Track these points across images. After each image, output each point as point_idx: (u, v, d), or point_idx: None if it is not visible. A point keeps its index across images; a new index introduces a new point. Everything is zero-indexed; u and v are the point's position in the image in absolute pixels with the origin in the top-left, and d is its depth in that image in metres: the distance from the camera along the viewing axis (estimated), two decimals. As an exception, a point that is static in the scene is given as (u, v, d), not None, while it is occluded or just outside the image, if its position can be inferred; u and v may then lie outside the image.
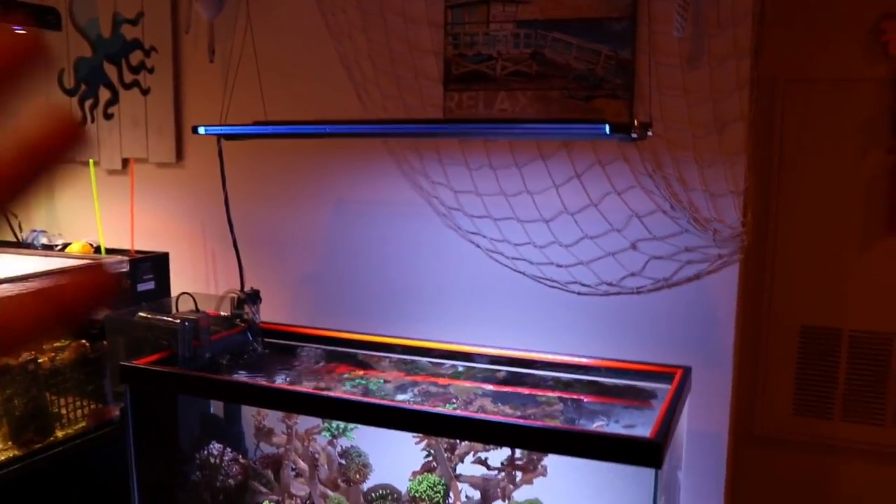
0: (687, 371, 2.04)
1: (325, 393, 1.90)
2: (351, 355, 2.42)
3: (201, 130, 2.10)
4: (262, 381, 2.08)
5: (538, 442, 1.63)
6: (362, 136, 2.16)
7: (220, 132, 2.08)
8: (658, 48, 2.25)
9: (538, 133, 1.89)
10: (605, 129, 1.63)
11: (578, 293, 2.40)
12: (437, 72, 2.48)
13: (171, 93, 2.86)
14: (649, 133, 1.77)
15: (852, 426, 3.05)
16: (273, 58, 2.63)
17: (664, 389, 2.15)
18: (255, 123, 2.16)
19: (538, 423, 1.72)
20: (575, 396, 2.13)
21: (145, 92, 2.90)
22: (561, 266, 2.41)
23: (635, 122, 1.70)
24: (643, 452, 1.55)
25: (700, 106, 2.23)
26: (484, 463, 1.95)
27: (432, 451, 2.03)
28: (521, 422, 1.69)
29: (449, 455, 1.98)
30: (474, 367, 2.31)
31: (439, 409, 1.74)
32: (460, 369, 2.33)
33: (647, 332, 2.36)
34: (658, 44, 2.25)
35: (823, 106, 2.94)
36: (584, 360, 2.19)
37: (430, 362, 2.37)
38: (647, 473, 1.99)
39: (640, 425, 1.98)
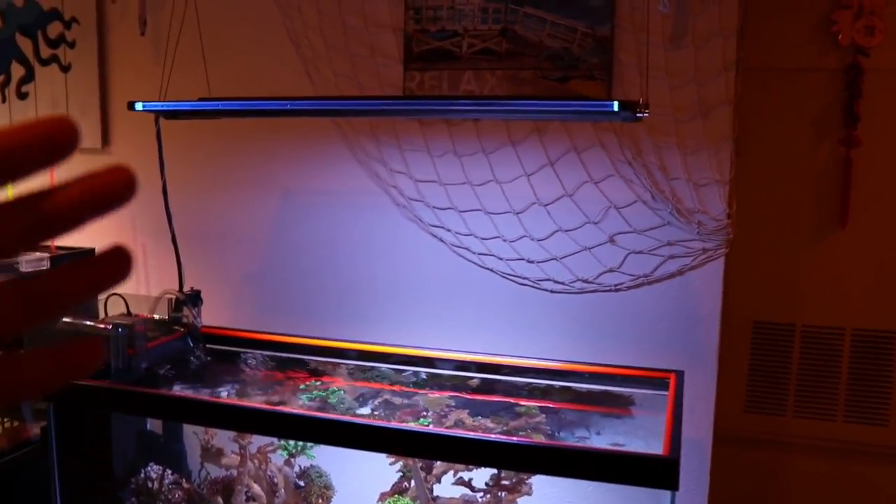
0: (680, 376, 1.88)
1: (285, 410, 1.67)
2: (302, 362, 2.19)
3: (139, 107, 1.84)
4: (210, 396, 1.83)
5: (537, 464, 1.44)
6: (326, 113, 1.93)
7: (160, 108, 1.82)
8: (639, 26, 2.08)
9: (530, 111, 1.69)
10: (612, 106, 1.45)
11: (551, 291, 2.22)
12: (396, 49, 2.26)
13: (96, 70, 2.56)
14: (646, 113, 1.59)
15: (805, 422, 3.02)
16: (212, 31, 2.37)
17: (645, 395, 2.00)
18: (201, 100, 1.90)
19: (537, 442, 1.53)
20: (555, 405, 1.95)
21: (65, 69, 2.60)
22: (532, 262, 2.22)
23: (641, 100, 1.52)
24: (659, 473, 1.37)
25: (683, 88, 2.07)
26: (467, 484, 1.75)
27: (406, 471, 1.82)
28: (517, 440, 1.50)
29: (425, 475, 1.77)
30: (440, 374, 2.12)
31: (420, 428, 1.54)
32: (423, 376, 2.13)
33: (626, 332, 2.20)
34: (639, 21, 2.08)
35: (775, 96, 2.87)
36: (563, 365, 2.01)
37: (391, 369, 2.16)
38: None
39: (634, 437, 1.82)
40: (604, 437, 1.83)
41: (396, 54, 2.25)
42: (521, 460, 1.44)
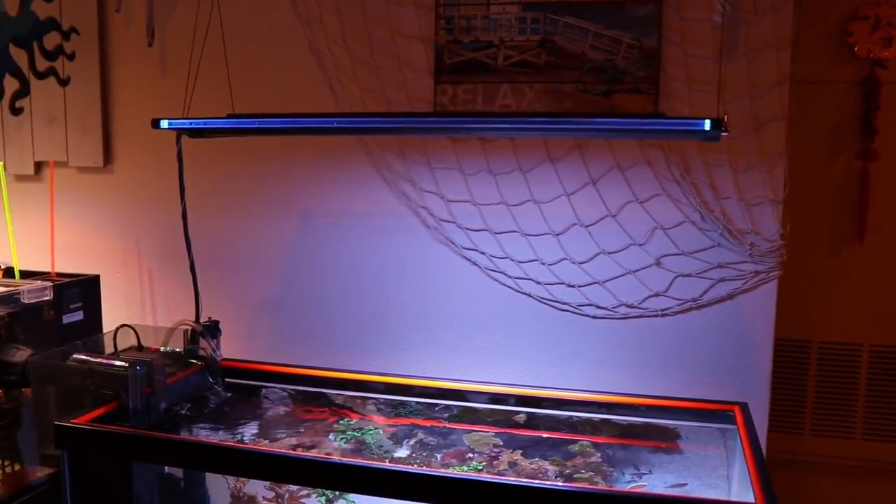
0: (745, 408, 1.76)
1: (328, 458, 1.53)
2: (326, 396, 2.04)
3: (164, 124, 1.68)
4: (239, 442, 1.68)
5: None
6: (360, 131, 1.77)
7: (187, 126, 1.66)
8: (687, 37, 1.97)
9: (599, 129, 1.56)
10: (702, 125, 1.32)
11: (593, 317, 2.10)
12: (425, 62, 2.12)
13: (98, 83, 2.40)
14: (727, 132, 1.47)
15: (823, 440, 2.97)
16: (230, 45, 2.21)
17: (690, 427, 1.88)
18: (230, 116, 1.74)
19: (631, 493, 1.40)
20: (608, 440, 1.82)
21: (64, 82, 2.43)
22: (573, 286, 2.10)
23: (725, 118, 1.39)
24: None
25: (735, 103, 1.96)
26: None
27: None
28: (608, 491, 1.36)
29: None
30: (476, 408, 1.98)
31: (493, 478, 1.40)
32: (455, 412, 1.99)
33: (673, 359, 2.08)
34: (687, 31, 1.97)
35: (791, 109, 2.81)
36: (612, 398, 1.89)
37: (422, 403, 2.02)
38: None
39: (691, 476, 1.70)
40: (660, 477, 1.71)
41: (426, 67, 2.12)
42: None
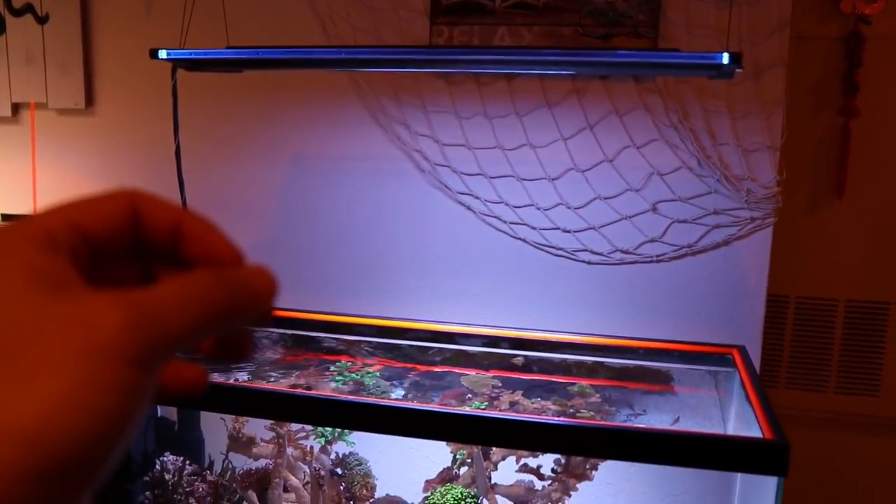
0: (744, 350, 1.78)
1: (338, 396, 1.51)
2: (323, 341, 2.02)
3: (162, 55, 1.61)
4: (243, 382, 1.65)
5: (635, 450, 1.31)
6: (364, 64, 1.72)
7: (188, 56, 1.60)
8: (688, -21, 1.95)
9: (613, 63, 1.53)
10: (720, 58, 1.30)
11: (588, 262, 2.09)
12: (421, 2, 2.08)
13: (79, 21, 2.31)
14: (739, 70, 1.46)
15: (797, 393, 2.98)
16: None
17: (682, 370, 1.90)
18: (230, 48, 1.69)
19: (639, 428, 1.40)
20: (605, 383, 1.83)
21: (42, 20, 2.35)
22: (568, 231, 2.09)
23: (740, 52, 1.38)
24: (767, 458, 1.26)
25: (735, 49, 1.95)
26: (536, 472, 1.61)
27: (465, 459, 1.67)
28: (621, 426, 1.37)
29: (483, 461, 1.63)
30: (467, 352, 1.97)
31: (498, 413, 1.39)
32: (448, 355, 1.98)
33: (667, 305, 2.08)
34: (688, -26, 1.95)
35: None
36: (613, 341, 1.89)
37: (414, 346, 2.01)
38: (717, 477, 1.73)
39: (691, 416, 1.71)
40: (655, 417, 1.73)
41: (422, 7, 2.08)
42: (621, 448, 1.30)
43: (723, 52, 1.33)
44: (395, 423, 1.43)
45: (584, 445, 1.33)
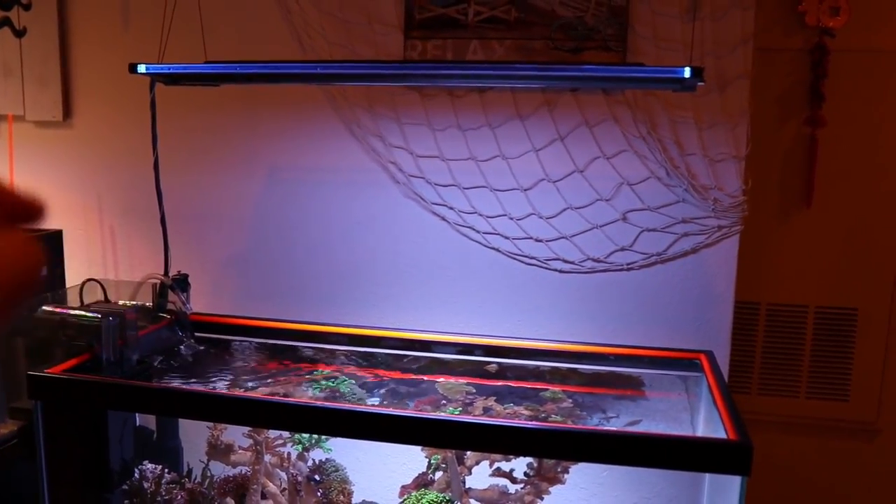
0: (711, 356, 1.82)
1: (315, 403, 1.54)
2: (295, 350, 2.05)
3: (141, 69, 1.64)
4: (224, 390, 1.68)
5: (604, 453, 1.35)
6: (348, 78, 1.76)
7: (166, 71, 1.63)
8: (655, -5, 2.00)
9: (579, 77, 1.58)
10: (682, 72, 1.35)
11: (560, 271, 2.13)
12: (395, 16, 2.12)
13: (56, 35, 2.33)
14: (701, 84, 1.51)
15: (769, 399, 3.04)
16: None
17: (654, 375, 1.94)
18: (208, 63, 1.72)
19: (608, 431, 1.44)
20: (577, 389, 1.87)
21: (20, 33, 2.36)
22: (540, 241, 2.13)
23: (701, 67, 1.43)
24: (731, 459, 1.30)
25: (700, 61, 2.00)
26: (508, 475, 1.65)
27: (440, 464, 1.70)
28: (592, 430, 1.41)
29: (457, 466, 1.66)
30: (443, 359, 2.00)
31: (471, 418, 1.43)
32: (424, 363, 2.01)
33: (637, 312, 2.13)
34: (655, -10, 2.00)
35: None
36: (583, 347, 1.93)
37: (389, 354, 2.04)
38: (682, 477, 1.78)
39: (660, 420, 1.75)
40: (627, 421, 1.76)
41: (396, 22, 2.12)
42: (584, 450, 1.34)
43: (685, 67, 1.37)
44: (370, 429, 1.46)
45: (554, 448, 1.37)
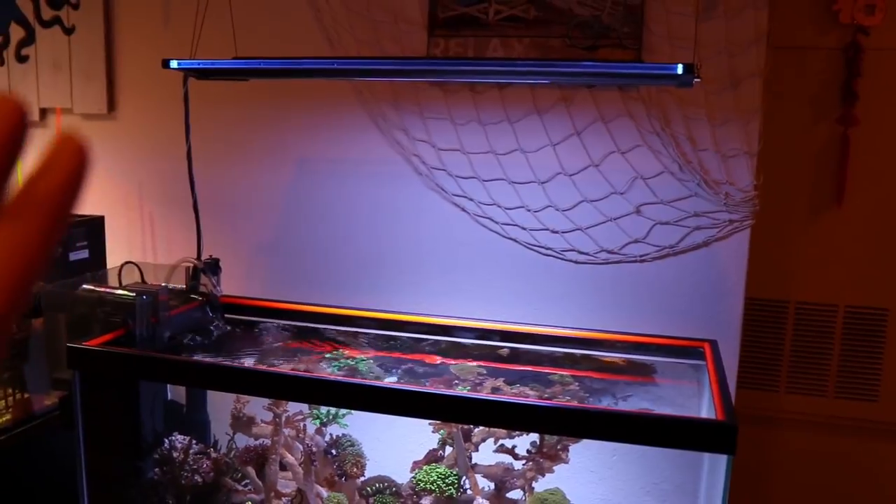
0: (714, 345, 1.88)
1: (329, 377, 1.64)
2: (321, 332, 2.15)
3: (173, 64, 1.76)
4: (248, 364, 1.79)
5: (599, 429, 1.43)
6: (361, 73, 1.86)
7: (196, 66, 1.75)
8: (670, -6, 2.06)
9: (582, 73, 1.66)
10: (675, 69, 1.42)
11: (576, 262, 2.21)
12: (420, 15, 2.21)
13: (102, 32, 2.48)
14: (700, 79, 1.58)
15: (797, 398, 3.03)
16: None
17: (673, 364, 2.00)
18: (236, 59, 1.83)
19: (601, 409, 1.52)
20: (586, 374, 1.94)
21: (69, 31, 2.51)
22: (557, 232, 2.21)
23: (697, 64, 1.50)
24: (717, 436, 1.37)
25: (713, 59, 2.06)
26: (511, 452, 1.73)
27: (447, 439, 1.79)
28: (582, 407, 1.48)
29: (464, 443, 1.75)
30: (463, 344, 2.09)
31: (477, 395, 1.51)
32: (443, 346, 2.10)
33: (650, 303, 2.19)
34: (670, -11, 2.06)
35: (774, 75, 2.86)
36: (593, 334, 2.00)
37: (411, 338, 2.13)
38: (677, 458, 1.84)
39: (668, 405, 1.81)
40: (635, 405, 1.82)
41: (420, 20, 2.21)
42: (580, 426, 1.42)
43: (678, 64, 1.44)
44: (380, 402, 1.55)
45: (547, 423, 1.45)
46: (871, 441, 2.99)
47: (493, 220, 2.24)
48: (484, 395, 1.56)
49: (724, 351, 2.12)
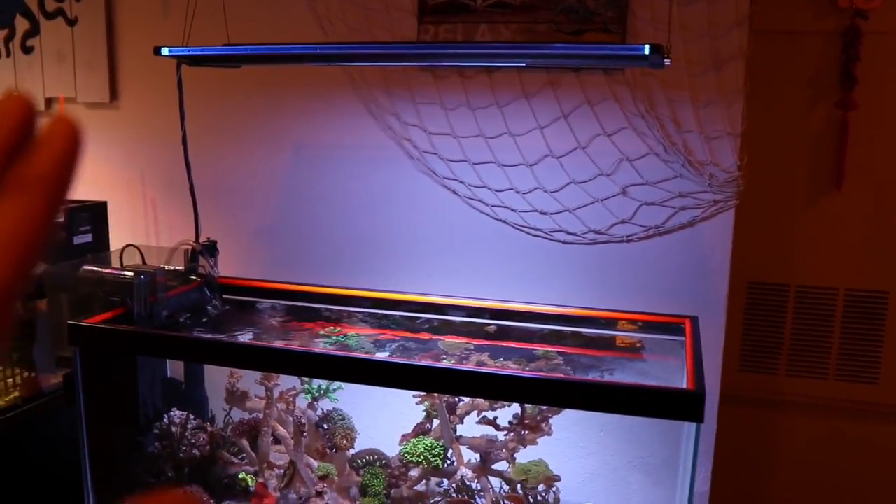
0: (695, 321, 1.93)
1: (318, 350, 1.70)
2: (317, 311, 2.22)
3: (164, 52, 1.83)
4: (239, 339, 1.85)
5: (569, 399, 1.48)
6: (350, 58, 1.92)
7: (186, 53, 1.81)
8: (653, -21, 2.10)
9: (555, 55, 1.70)
10: (643, 50, 1.47)
11: (564, 242, 2.25)
12: (410, 3, 2.27)
13: (104, 23, 2.55)
14: (670, 61, 1.62)
15: (797, 381, 3.05)
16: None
17: (659, 340, 2.04)
18: (226, 46, 1.90)
19: (571, 378, 1.57)
20: (570, 350, 1.99)
21: (71, 22, 2.58)
22: (545, 213, 2.26)
23: (666, 46, 1.54)
24: (686, 405, 1.42)
25: (696, 42, 2.10)
26: (493, 423, 1.79)
27: (432, 412, 1.85)
28: (554, 377, 1.54)
29: (448, 415, 1.81)
30: (454, 322, 2.15)
31: (456, 366, 1.57)
32: (436, 324, 2.16)
33: (636, 282, 2.24)
34: (653, -26, 2.10)
35: (772, 58, 2.88)
36: (577, 311, 2.05)
37: (404, 316, 2.19)
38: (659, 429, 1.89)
39: (649, 378, 1.86)
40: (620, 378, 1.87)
41: (410, 8, 2.26)
42: (552, 396, 1.47)
43: (644, 45, 1.49)
44: (367, 374, 1.62)
45: (527, 393, 1.50)
46: (872, 423, 3.00)
47: (483, 201, 2.29)
48: (462, 366, 1.61)
49: (710, 327, 2.18)
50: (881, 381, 2.99)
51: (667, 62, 1.59)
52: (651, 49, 1.46)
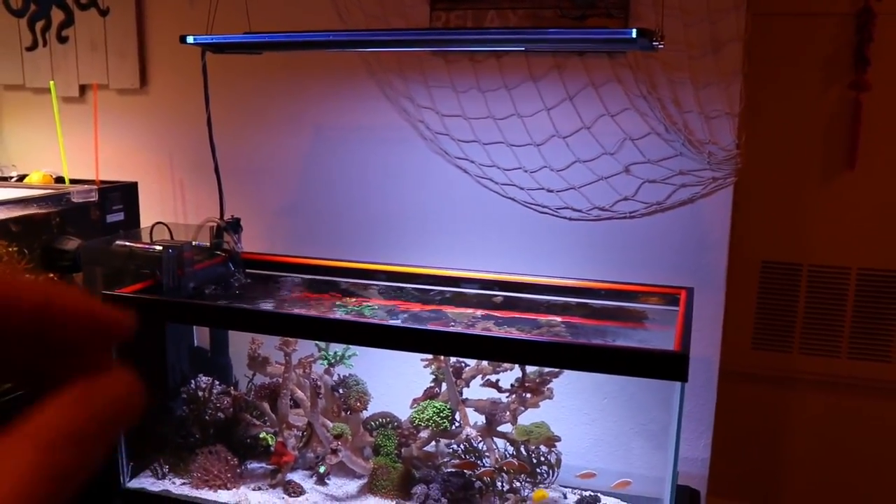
0: (690, 291, 2.02)
1: (331, 316, 1.82)
2: (335, 284, 2.34)
3: (189, 40, 1.96)
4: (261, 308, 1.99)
5: (561, 359, 1.59)
6: (365, 44, 2.04)
7: (210, 41, 1.94)
8: (654, -35, 2.19)
9: (550, 40, 1.81)
10: (630, 34, 1.56)
11: (570, 218, 2.36)
12: (422, -10, 2.37)
13: (133, 13, 2.68)
14: (662, 44, 1.71)
15: (810, 359, 3.08)
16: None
17: (659, 311, 2.14)
18: (247, 34, 2.02)
19: (560, 340, 1.68)
20: (573, 319, 2.09)
21: (104, 13, 2.72)
22: (552, 191, 2.36)
23: (657, 30, 1.64)
24: (670, 365, 1.52)
25: (696, 26, 2.19)
26: (495, 385, 1.90)
27: (438, 375, 1.97)
28: (543, 339, 1.65)
29: (455, 379, 1.93)
30: (464, 293, 2.26)
31: (460, 329, 1.69)
32: (448, 296, 2.27)
33: (639, 257, 2.33)
34: (654, -40, 2.19)
35: (785, 40, 2.92)
36: (580, 283, 2.16)
37: (418, 289, 2.30)
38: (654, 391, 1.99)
39: (647, 344, 1.96)
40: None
41: (423, -5, 2.37)
42: (546, 357, 1.58)
43: (632, 29, 1.58)
44: (378, 337, 1.74)
45: (523, 355, 1.61)
46: (884, 400, 3.03)
47: (492, 180, 2.40)
48: (464, 329, 1.73)
49: (710, 301, 2.27)
50: (893, 359, 3.01)
51: (660, 46, 1.68)
52: (638, 33, 1.55)
